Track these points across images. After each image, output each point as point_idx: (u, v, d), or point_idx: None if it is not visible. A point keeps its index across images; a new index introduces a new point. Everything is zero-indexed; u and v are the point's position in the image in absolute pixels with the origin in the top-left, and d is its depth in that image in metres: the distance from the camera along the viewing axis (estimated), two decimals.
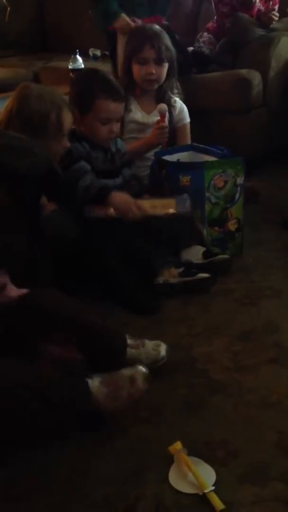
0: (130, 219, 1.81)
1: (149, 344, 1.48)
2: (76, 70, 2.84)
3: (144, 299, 1.73)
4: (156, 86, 2.23)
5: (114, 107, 1.92)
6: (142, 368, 1.33)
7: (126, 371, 1.33)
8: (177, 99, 2.31)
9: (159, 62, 2.17)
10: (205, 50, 2.80)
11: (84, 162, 1.89)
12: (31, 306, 1.39)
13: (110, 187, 1.88)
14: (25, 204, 1.39)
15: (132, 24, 2.43)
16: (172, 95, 2.29)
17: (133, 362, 1.39)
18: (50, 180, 1.51)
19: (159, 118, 2.18)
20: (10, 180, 1.33)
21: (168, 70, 2.22)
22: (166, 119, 2.22)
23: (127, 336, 1.47)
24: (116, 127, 1.95)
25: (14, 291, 1.39)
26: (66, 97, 1.85)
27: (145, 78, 2.19)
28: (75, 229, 1.79)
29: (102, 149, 1.97)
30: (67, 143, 1.79)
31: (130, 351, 1.45)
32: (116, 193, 1.84)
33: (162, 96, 2.25)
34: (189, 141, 2.33)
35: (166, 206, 1.82)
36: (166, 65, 2.20)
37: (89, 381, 1.29)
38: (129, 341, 1.46)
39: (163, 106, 2.17)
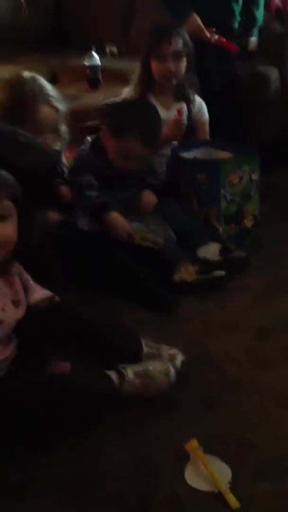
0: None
1: (165, 353, 1.47)
2: (92, 67, 2.85)
3: (162, 297, 1.73)
4: (175, 82, 2.23)
5: (140, 151, 1.89)
6: (173, 362, 1.42)
7: (158, 365, 1.39)
8: (196, 95, 2.30)
9: (177, 58, 2.17)
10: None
11: (90, 177, 1.89)
12: (50, 317, 1.39)
13: (111, 204, 1.87)
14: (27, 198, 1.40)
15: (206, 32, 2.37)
16: (191, 91, 2.28)
17: None
18: (50, 177, 1.52)
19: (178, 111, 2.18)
20: (12, 175, 1.33)
21: (187, 65, 2.22)
22: (185, 116, 2.22)
23: (143, 343, 1.46)
24: (135, 162, 1.92)
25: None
26: (55, 92, 1.80)
27: (164, 75, 2.19)
28: (83, 238, 1.81)
29: (118, 169, 1.93)
30: (49, 141, 1.75)
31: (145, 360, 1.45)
32: (112, 214, 1.85)
33: (181, 92, 2.25)
34: (207, 138, 2.32)
35: (154, 243, 1.84)
36: (184, 61, 2.19)
37: (124, 372, 1.34)
38: (145, 348, 1.46)
39: (181, 104, 2.17)
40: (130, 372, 1.37)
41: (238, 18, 2.53)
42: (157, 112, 1.98)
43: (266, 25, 2.71)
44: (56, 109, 1.76)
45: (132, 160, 1.90)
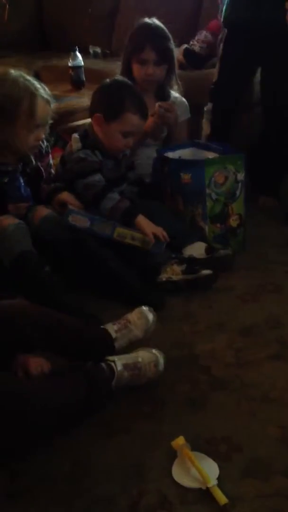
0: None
1: (132, 317, 1.48)
2: (76, 68, 2.84)
3: (149, 297, 1.73)
4: (155, 85, 2.23)
5: (139, 123, 1.96)
6: (161, 352, 1.42)
7: (147, 356, 1.39)
8: (177, 94, 2.30)
9: (158, 63, 2.17)
10: (196, 48, 2.78)
11: (100, 176, 1.91)
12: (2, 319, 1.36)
13: (135, 209, 1.89)
14: None
15: None
16: (172, 91, 2.29)
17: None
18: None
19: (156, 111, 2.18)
20: None
21: (168, 69, 2.22)
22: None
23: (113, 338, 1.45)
24: (132, 142, 1.97)
25: None
26: (44, 87, 1.80)
27: (144, 78, 2.19)
28: (69, 232, 1.80)
29: (112, 157, 1.99)
30: (41, 135, 1.77)
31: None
32: (139, 217, 1.86)
33: (162, 94, 2.25)
34: (186, 136, 2.32)
35: (144, 243, 1.84)
36: (165, 66, 2.19)
37: (113, 365, 1.34)
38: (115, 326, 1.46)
39: (161, 106, 2.17)
40: (119, 364, 1.36)
41: None
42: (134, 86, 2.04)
43: None
44: (48, 102, 1.77)
45: (129, 139, 1.94)
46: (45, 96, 1.75)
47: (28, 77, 1.76)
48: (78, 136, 1.98)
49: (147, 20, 2.23)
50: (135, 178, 2.10)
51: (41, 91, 1.75)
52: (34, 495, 1.17)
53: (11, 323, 1.33)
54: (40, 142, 1.86)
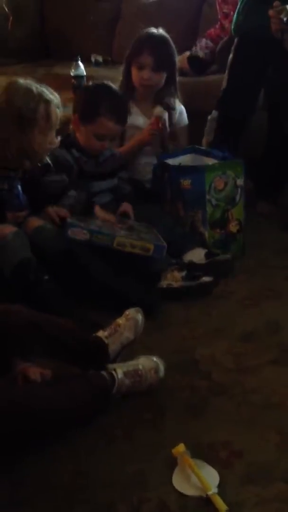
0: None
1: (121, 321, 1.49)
2: (78, 77, 2.85)
3: (142, 301, 1.71)
4: (153, 92, 2.24)
5: (114, 128, 1.98)
6: (161, 360, 1.43)
7: (148, 362, 1.40)
8: (177, 100, 2.31)
9: (156, 69, 2.18)
10: (200, 53, 2.80)
11: (64, 176, 1.94)
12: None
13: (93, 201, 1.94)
14: None
15: None
16: (172, 99, 2.30)
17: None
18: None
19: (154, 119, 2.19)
20: None
21: (168, 78, 2.22)
22: (166, 122, 2.23)
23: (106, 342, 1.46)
24: (109, 143, 2.01)
25: None
26: (52, 91, 1.83)
27: (142, 83, 2.20)
28: (60, 244, 1.81)
29: (91, 156, 2.01)
30: (54, 140, 1.81)
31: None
32: (96, 208, 1.91)
33: (160, 101, 2.26)
34: (185, 143, 2.33)
35: (144, 250, 1.84)
36: (164, 74, 2.20)
37: (113, 373, 1.35)
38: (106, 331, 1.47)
39: (160, 110, 2.18)
40: (120, 372, 1.37)
41: None
42: (117, 91, 2.06)
43: None
44: (59, 108, 1.81)
45: (105, 142, 1.97)
46: (56, 100, 1.80)
47: (38, 84, 1.80)
48: (60, 136, 2.00)
49: (152, 28, 2.24)
50: (128, 178, 2.12)
51: (52, 96, 1.79)
52: (35, 503, 1.17)
53: (7, 327, 1.34)
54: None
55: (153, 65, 2.16)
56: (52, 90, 1.82)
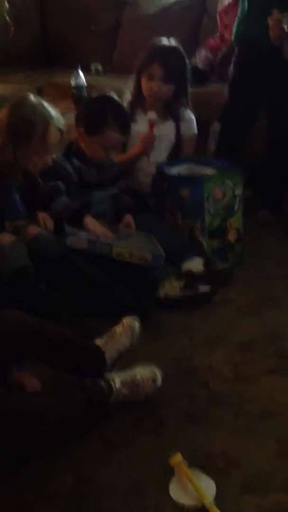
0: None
1: (118, 329, 1.51)
2: (78, 88, 2.86)
3: (134, 308, 1.70)
4: (162, 101, 2.25)
5: (119, 139, 2.02)
6: (158, 369, 1.43)
7: (145, 372, 1.40)
8: (187, 110, 2.32)
9: (165, 80, 2.18)
10: (200, 65, 2.82)
11: (61, 183, 1.94)
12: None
13: (84, 210, 1.93)
14: None
15: None
16: (181, 108, 2.30)
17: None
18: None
19: (157, 128, 2.20)
20: None
21: (178, 89, 2.23)
22: (171, 133, 2.25)
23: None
24: (114, 153, 2.04)
25: None
26: (61, 115, 1.86)
27: (150, 93, 2.22)
28: (58, 252, 1.81)
29: (94, 165, 2.03)
30: (49, 161, 1.82)
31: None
32: (87, 218, 1.90)
33: (169, 110, 2.27)
34: (191, 152, 2.34)
35: (142, 259, 1.85)
36: (172, 86, 2.20)
37: (111, 383, 1.36)
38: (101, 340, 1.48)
39: (153, 115, 2.19)
40: (117, 381, 1.37)
41: None
42: (120, 102, 2.08)
43: None
44: (61, 132, 1.83)
45: (111, 152, 2.01)
46: (59, 125, 1.81)
47: (47, 105, 1.82)
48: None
49: (163, 39, 2.25)
50: (127, 186, 2.12)
51: (56, 120, 1.80)
52: (36, 510, 1.17)
53: (3, 332, 1.35)
54: None
55: (163, 76, 2.17)
56: (60, 116, 1.83)
